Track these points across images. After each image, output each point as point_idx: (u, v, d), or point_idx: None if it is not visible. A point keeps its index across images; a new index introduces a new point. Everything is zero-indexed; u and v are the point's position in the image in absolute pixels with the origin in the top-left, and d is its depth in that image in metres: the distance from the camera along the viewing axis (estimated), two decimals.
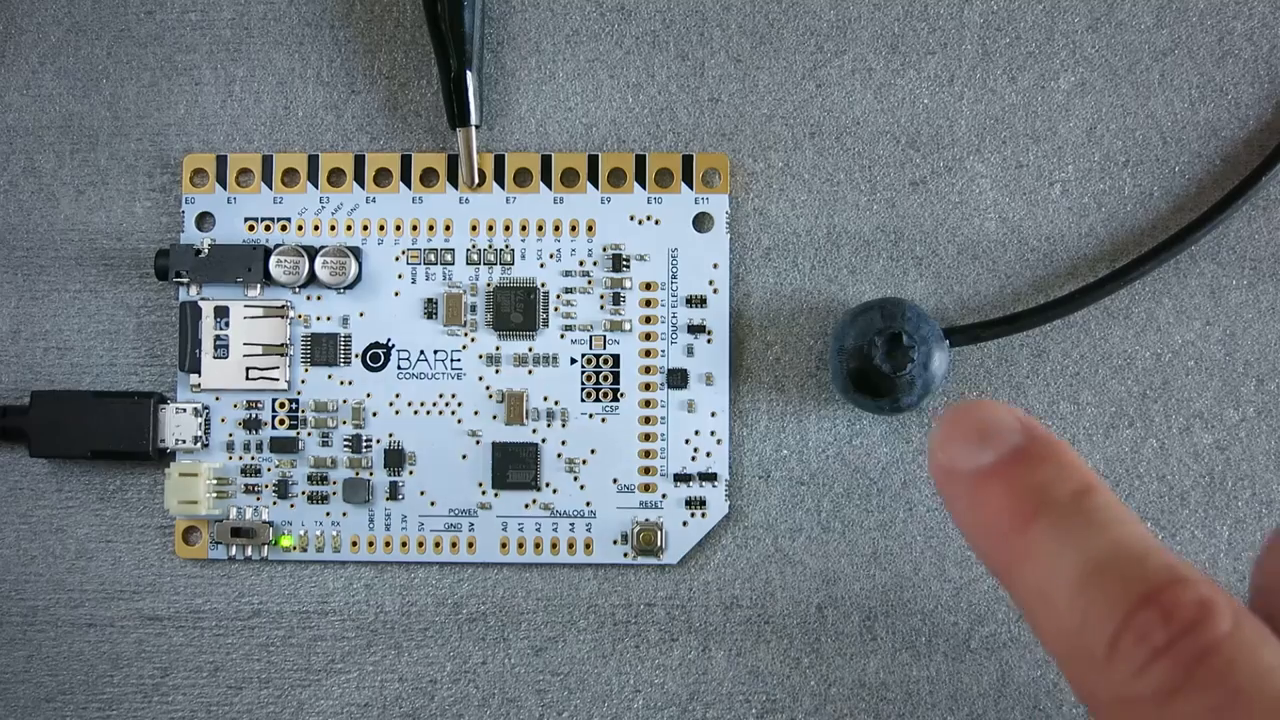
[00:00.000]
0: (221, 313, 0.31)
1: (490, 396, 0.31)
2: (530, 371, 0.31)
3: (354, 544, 0.31)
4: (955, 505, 0.20)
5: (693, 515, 0.30)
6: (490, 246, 0.31)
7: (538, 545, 0.30)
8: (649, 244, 0.31)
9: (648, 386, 0.31)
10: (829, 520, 0.30)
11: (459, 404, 0.31)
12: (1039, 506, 0.19)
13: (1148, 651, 0.16)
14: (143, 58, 0.32)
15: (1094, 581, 0.17)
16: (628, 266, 0.31)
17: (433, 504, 0.31)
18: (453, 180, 0.31)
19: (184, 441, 0.31)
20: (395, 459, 0.31)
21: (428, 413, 0.31)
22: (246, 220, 0.31)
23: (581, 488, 0.30)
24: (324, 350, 0.31)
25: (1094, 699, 0.17)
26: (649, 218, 0.31)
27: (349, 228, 0.31)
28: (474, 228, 0.31)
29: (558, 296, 0.31)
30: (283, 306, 0.31)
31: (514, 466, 0.30)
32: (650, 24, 0.31)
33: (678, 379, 0.30)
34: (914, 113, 0.31)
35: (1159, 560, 0.17)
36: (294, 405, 0.31)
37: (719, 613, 0.30)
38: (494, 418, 0.31)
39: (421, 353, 0.31)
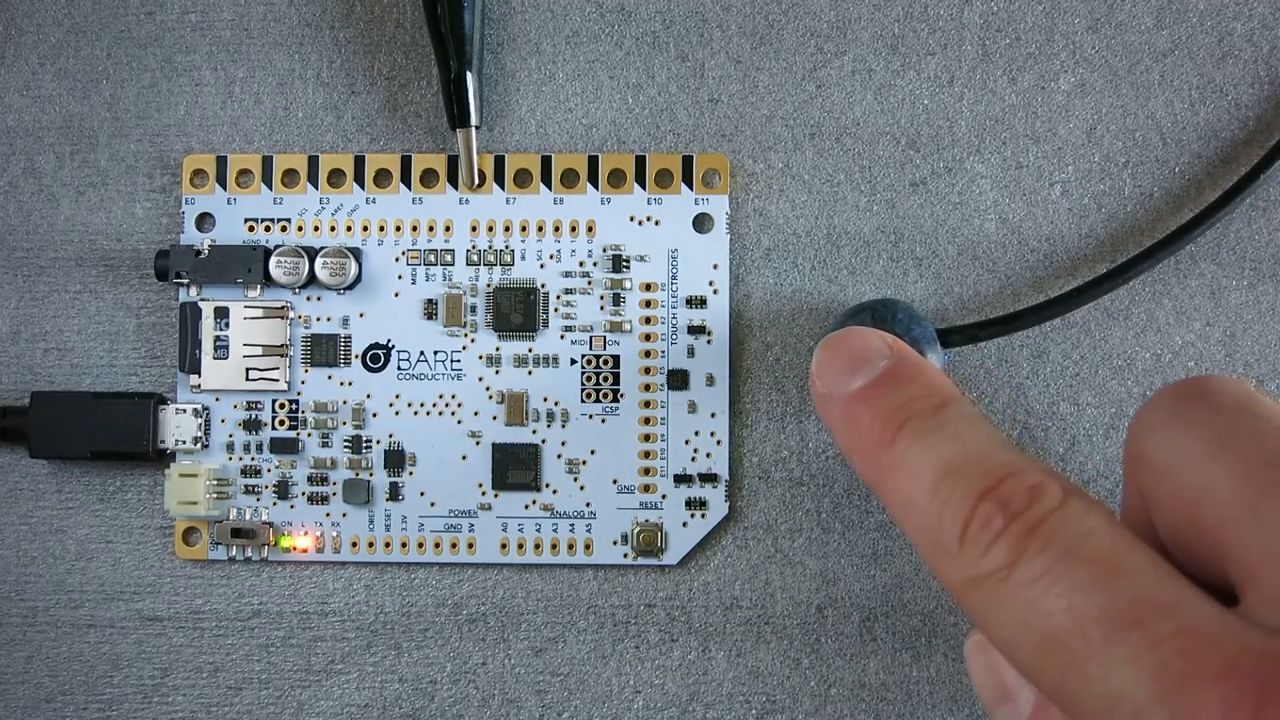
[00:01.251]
0: (221, 313, 0.31)
1: (490, 397, 0.31)
2: (530, 372, 0.31)
3: (354, 545, 0.31)
4: (834, 428, 0.23)
5: (693, 516, 0.30)
6: (490, 247, 0.31)
7: (538, 546, 0.30)
8: (649, 245, 0.31)
9: (648, 387, 0.31)
10: (829, 521, 0.30)
11: (459, 405, 0.31)
12: (903, 421, 0.21)
13: (990, 535, 0.18)
14: (143, 59, 0.32)
15: (946, 482, 0.20)
16: (628, 267, 0.31)
17: (433, 505, 0.31)
18: (453, 181, 0.31)
19: (184, 442, 0.31)
20: (395, 460, 0.31)
21: (428, 413, 0.31)
22: (246, 221, 0.31)
23: (582, 488, 0.30)
24: (324, 351, 0.31)
25: (953, 584, 0.19)
26: (649, 218, 0.31)
27: (349, 228, 0.31)
28: (474, 228, 0.31)
29: (558, 297, 0.31)
30: (283, 307, 0.31)
31: (514, 467, 0.30)
32: (650, 25, 0.31)
33: (678, 380, 0.30)
34: (914, 113, 0.31)
35: (1000, 458, 0.20)
36: (294, 406, 0.31)
37: (719, 613, 0.30)
38: (494, 418, 0.31)
39: (422, 353, 0.31)
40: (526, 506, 0.31)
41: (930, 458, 0.20)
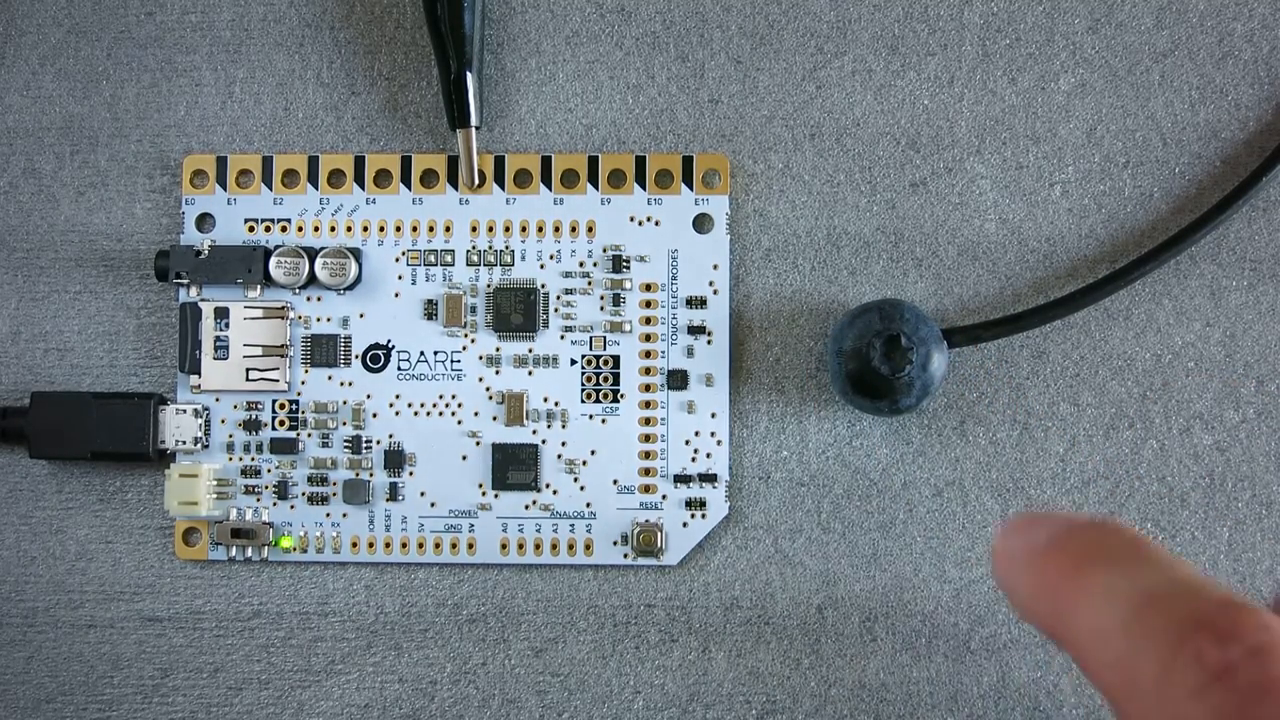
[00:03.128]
0: (221, 314, 0.31)
1: (490, 397, 0.31)
2: (530, 372, 0.31)
3: (354, 545, 0.31)
4: (1014, 586, 0.20)
5: (693, 516, 0.30)
6: (490, 248, 0.31)
7: (538, 546, 0.30)
8: (649, 245, 0.31)
9: (648, 388, 0.31)
10: (829, 521, 0.30)
11: (459, 405, 0.31)
12: (1095, 556, 0.18)
13: (1204, 675, 0.15)
14: (143, 59, 0.32)
15: (1149, 609, 0.17)
16: (628, 267, 0.31)
17: (433, 505, 0.31)
18: (453, 181, 0.31)
19: (184, 443, 0.31)
20: (395, 460, 0.31)
21: (428, 414, 0.31)
22: (246, 221, 0.31)
23: (581, 489, 0.30)
24: (324, 351, 0.31)
25: None
26: (649, 219, 0.31)
27: (349, 229, 0.31)
28: (474, 229, 0.31)
29: (558, 298, 0.31)
30: (283, 308, 0.31)
31: (514, 467, 0.30)
32: (650, 25, 0.31)
33: (678, 380, 0.30)
34: (914, 114, 0.31)
35: (1216, 591, 0.17)
36: (294, 406, 0.31)
37: (719, 614, 0.30)
38: (494, 419, 0.31)
39: (421, 354, 0.31)
40: (526, 507, 0.31)
41: (1128, 585, 0.17)
